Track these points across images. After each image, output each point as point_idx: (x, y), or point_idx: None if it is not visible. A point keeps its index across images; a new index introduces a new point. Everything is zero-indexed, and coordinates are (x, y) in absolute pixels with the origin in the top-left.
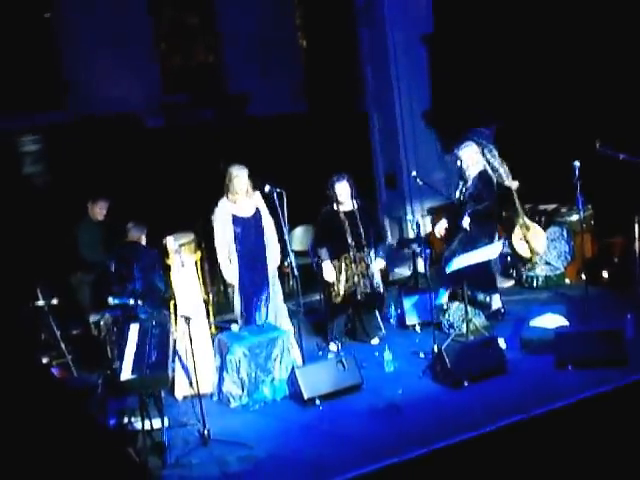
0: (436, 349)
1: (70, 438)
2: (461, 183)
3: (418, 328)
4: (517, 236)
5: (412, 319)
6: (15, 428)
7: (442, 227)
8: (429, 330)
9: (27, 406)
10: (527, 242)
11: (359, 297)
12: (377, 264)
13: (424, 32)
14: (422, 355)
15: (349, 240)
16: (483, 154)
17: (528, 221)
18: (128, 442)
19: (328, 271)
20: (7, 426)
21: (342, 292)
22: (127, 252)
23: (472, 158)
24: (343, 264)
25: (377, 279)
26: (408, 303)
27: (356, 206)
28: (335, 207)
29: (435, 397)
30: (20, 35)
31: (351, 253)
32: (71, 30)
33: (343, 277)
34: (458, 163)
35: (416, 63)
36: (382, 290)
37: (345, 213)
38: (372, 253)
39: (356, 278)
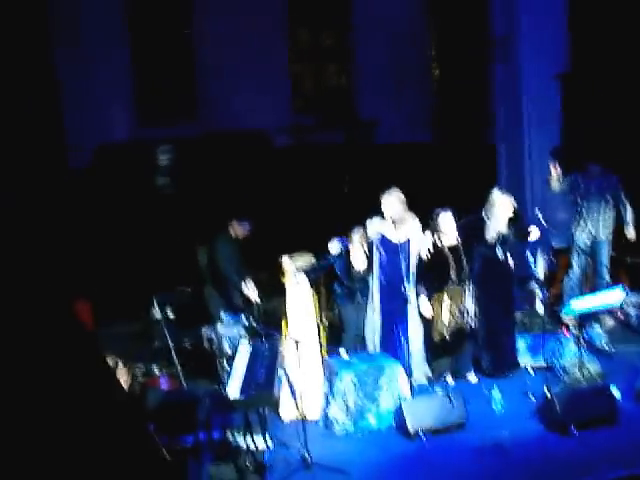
0: (547, 392)
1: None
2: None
3: (530, 369)
4: None
5: (524, 359)
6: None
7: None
8: (541, 372)
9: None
10: None
11: (454, 333)
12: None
13: (558, 70)
14: (532, 397)
15: (452, 275)
16: None
17: None
18: (230, 458)
19: (426, 307)
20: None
21: (443, 331)
22: None
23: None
24: (445, 301)
25: (472, 314)
26: (522, 343)
27: (460, 240)
28: (438, 241)
29: (541, 442)
30: (161, 49)
31: (451, 286)
32: (207, 46)
33: (445, 315)
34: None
35: (548, 101)
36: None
37: (449, 248)
38: (471, 286)
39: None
